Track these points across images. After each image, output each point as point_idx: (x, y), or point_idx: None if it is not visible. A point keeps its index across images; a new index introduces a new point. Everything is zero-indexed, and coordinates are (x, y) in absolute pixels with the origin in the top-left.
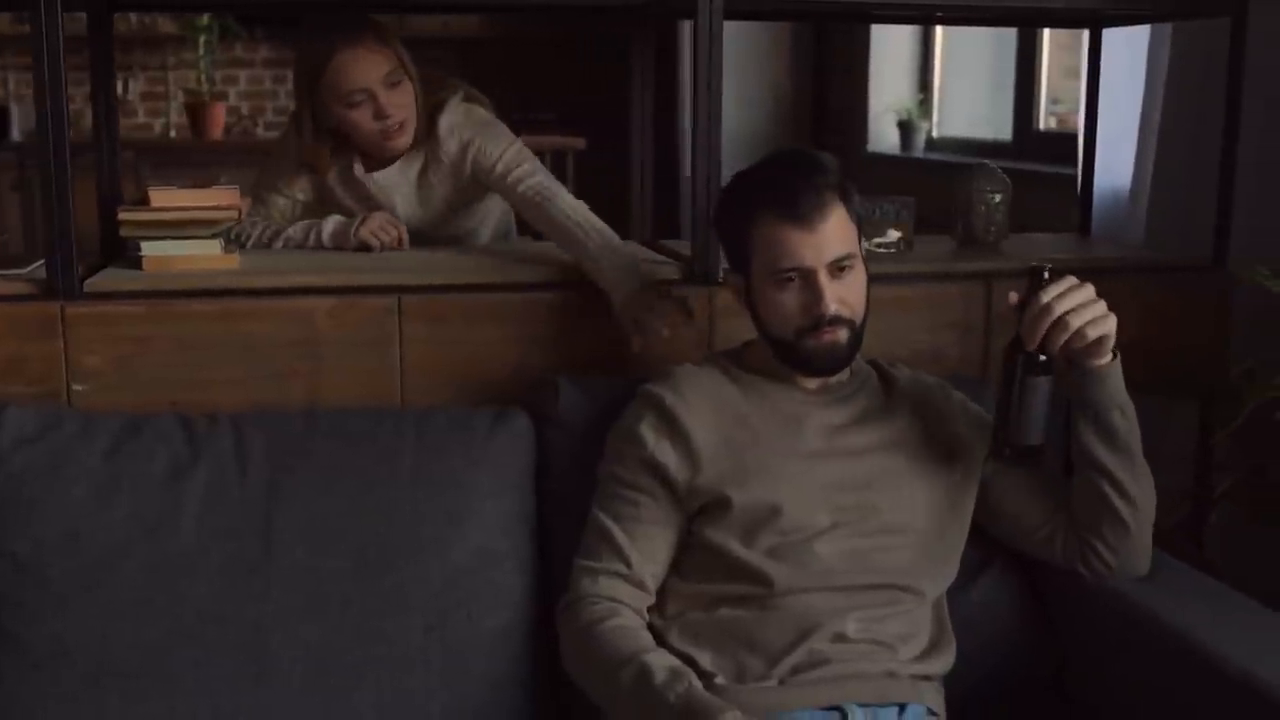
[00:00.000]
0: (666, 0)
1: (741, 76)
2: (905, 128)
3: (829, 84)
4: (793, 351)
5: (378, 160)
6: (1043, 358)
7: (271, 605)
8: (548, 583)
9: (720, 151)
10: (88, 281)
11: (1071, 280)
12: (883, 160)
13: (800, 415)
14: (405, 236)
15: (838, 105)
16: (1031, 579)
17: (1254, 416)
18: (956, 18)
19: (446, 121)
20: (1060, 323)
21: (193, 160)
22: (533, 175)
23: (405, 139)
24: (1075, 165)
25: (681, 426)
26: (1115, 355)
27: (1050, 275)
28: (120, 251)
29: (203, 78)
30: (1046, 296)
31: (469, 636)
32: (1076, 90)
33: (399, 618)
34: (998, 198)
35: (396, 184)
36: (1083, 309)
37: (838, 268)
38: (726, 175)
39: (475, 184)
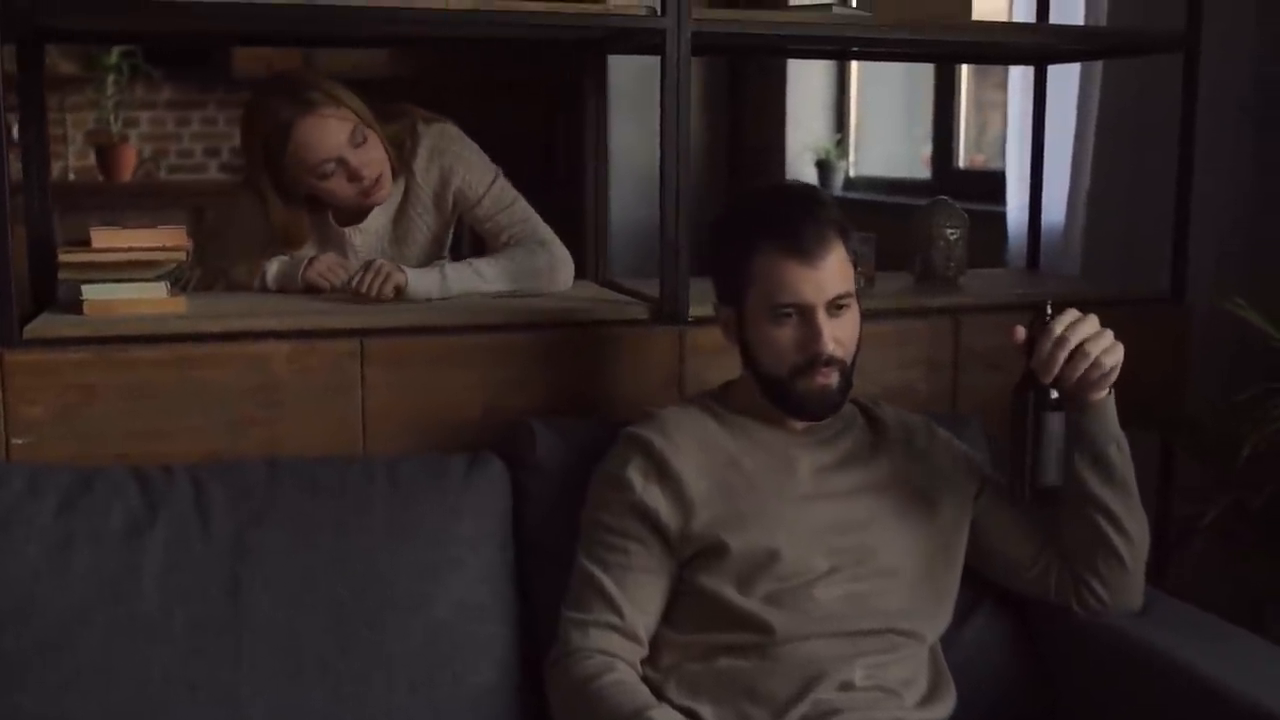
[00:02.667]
0: (631, 36)
1: (654, 115)
2: (823, 167)
3: (744, 123)
4: (784, 391)
5: (353, 212)
6: (1054, 394)
7: (244, 668)
8: (532, 636)
9: (691, 190)
10: (27, 327)
11: (1076, 312)
12: None
13: (791, 456)
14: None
15: (754, 144)
16: (1023, 617)
17: (1227, 445)
18: (908, 54)
19: (424, 148)
20: (1080, 351)
21: (99, 203)
22: (525, 221)
23: (385, 191)
24: (996, 202)
25: (671, 470)
26: (1110, 391)
27: (1053, 310)
28: (52, 297)
29: (111, 118)
30: (1060, 326)
31: (455, 695)
32: (980, 129)
33: (381, 678)
34: (956, 234)
35: (382, 229)
36: (1097, 337)
37: (835, 306)
38: (638, 214)
39: (455, 213)
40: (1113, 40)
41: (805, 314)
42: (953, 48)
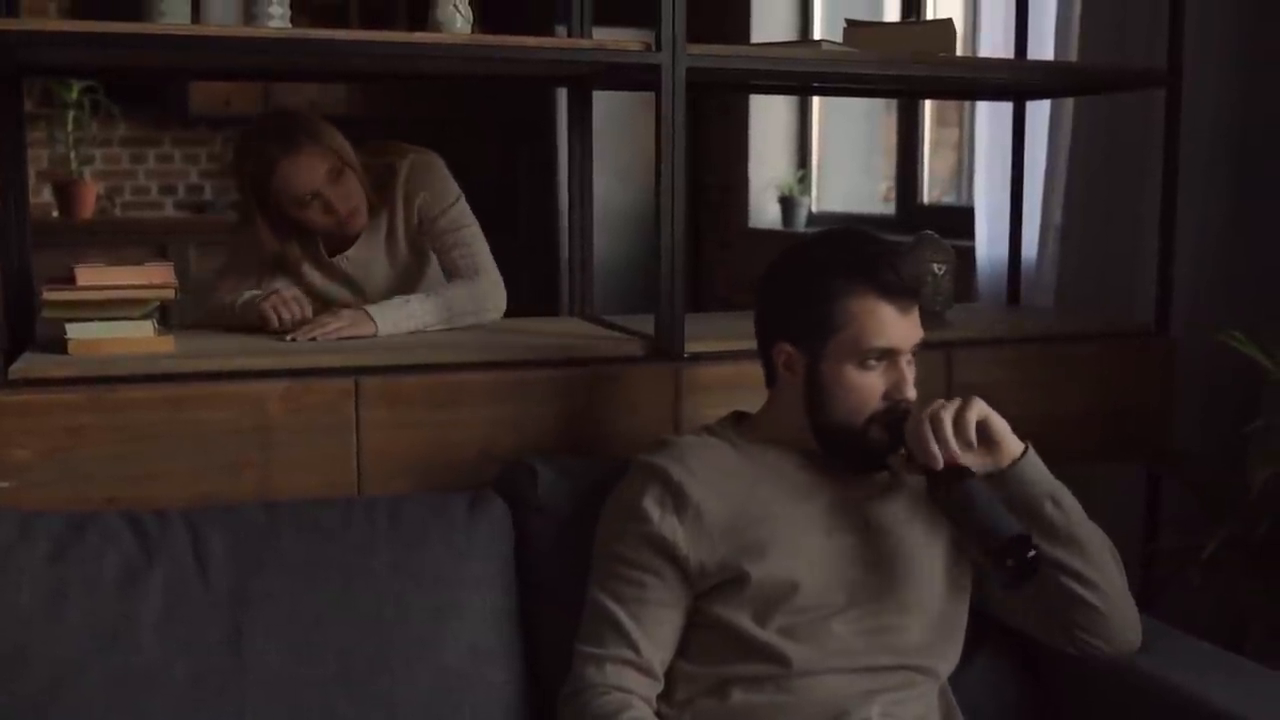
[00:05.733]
0: (621, 71)
1: (616, 151)
2: (786, 203)
3: (707, 160)
4: (854, 440)
5: (341, 240)
6: (956, 466)
7: None
8: (539, 679)
9: (684, 227)
10: (11, 368)
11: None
12: (765, 235)
13: (811, 489)
14: (309, 314)
15: (717, 181)
16: (1029, 654)
17: (1230, 477)
18: (885, 90)
19: (400, 179)
20: (936, 421)
21: (56, 240)
22: (469, 245)
23: (361, 220)
24: (959, 236)
25: (689, 500)
26: (1027, 448)
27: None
28: (31, 335)
29: (72, 155)
30: (913, 418)
31: None
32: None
33: None
34: (944, 268)
35: (371, 257)
36: (942, 408)
37: (907, 359)
38: (607, 253)
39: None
40: (1096, 77)
41: (893, 360)
42: (937, 83)
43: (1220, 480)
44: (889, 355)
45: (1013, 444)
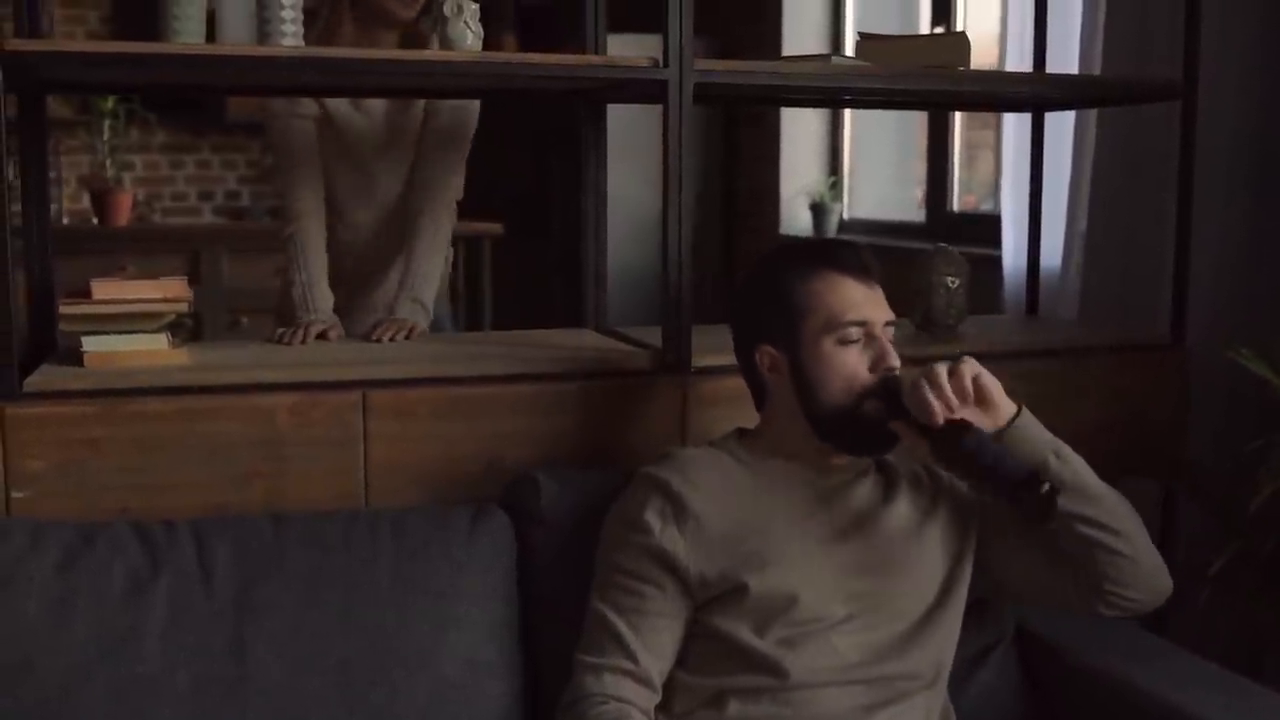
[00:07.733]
0: (631, 86)
1: (647, 160)
2: (817, 210)
3: (739, 167)
4: (850, 419)
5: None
6: (957, 421)
7: None
8: (539, 692)
9: (690, 238)
10: (27, 380)
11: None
12: None
13: (812, 500)
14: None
15: (749, 188)
16: (1031, 667)
17: (1237, 493)
18: (906, 103)
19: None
20: (932, 377)
21: (94, 247)
22: (449, 204)
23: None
24: (990, 245)
25: (690, 511)
26: (1021, 407)
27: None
28: (53, 345)
29: (108, 163)
30: (908, 382)
31: None
32: (967, 165)
33: None
34: (957, 281)
35: (383, 112)
36: (934, 367)
37: (886, 334)
38: (630, 260)
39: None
40: (1111, 90)
41: (870, 333)
42: (952, 97)
43: (1233, 494)
44: (863, 328)
45: (1007, 404)
